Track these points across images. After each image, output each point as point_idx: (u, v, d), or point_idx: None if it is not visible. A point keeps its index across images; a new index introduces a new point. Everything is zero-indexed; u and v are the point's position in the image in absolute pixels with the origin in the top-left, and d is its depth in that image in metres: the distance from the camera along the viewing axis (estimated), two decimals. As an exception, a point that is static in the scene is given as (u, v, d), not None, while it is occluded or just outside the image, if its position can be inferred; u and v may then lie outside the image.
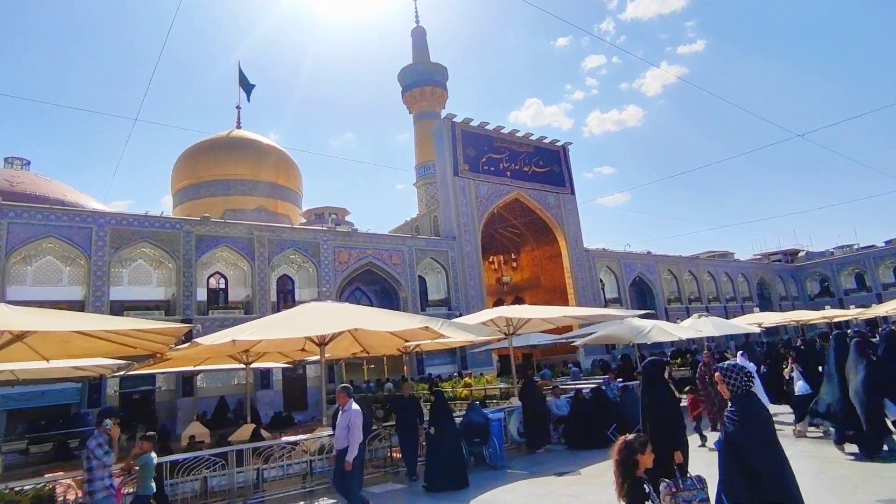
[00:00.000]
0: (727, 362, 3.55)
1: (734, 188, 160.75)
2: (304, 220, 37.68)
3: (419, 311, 29.61)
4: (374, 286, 31.48)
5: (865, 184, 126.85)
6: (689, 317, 43.97)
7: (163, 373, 20.66)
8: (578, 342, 18.16)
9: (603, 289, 41.65)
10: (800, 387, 9.50)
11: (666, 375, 8.65)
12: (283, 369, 26.16)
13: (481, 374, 26.91)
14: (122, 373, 13.67)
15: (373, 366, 29.97)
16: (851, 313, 33.84)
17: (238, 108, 47.45)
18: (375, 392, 24.69)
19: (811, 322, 33.72)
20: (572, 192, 40.90)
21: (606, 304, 41.00)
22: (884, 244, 50.29)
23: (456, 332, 10.24)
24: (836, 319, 35.28)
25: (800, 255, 59.87)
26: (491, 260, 44.37)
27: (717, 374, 3.42)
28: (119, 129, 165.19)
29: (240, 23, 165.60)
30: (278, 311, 26.79)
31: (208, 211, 39.59)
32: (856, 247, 54.10)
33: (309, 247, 27.93)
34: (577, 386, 14.50)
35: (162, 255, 24.10)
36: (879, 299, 42.55)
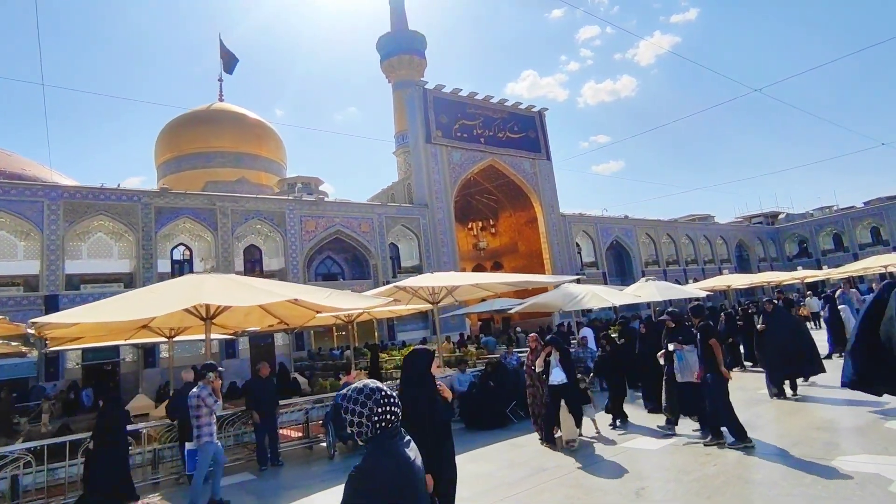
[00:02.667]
0: (359, 384, 2.07)
1: (720, 153, 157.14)
2: (278, 191, 36.19)
3: (391, 277, 28.48)
4: (344, 254, 30.22)
5: (843, 143, 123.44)
6: (666, 279, 43.18)
7: (126, 345, 19.76)
8: (514, 310, 16.90)
9: (580, 253, 40.26)
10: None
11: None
12: (250, 337, 25.29)
13: (423, 339, 25.81)
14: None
15: (343, 332, 28.90)
16: (821, 274, 32.39)
17: (220, 80, 45.49)
18: (338, 360, 23.61)
19: (785, 283, 32.32)
20: (548, 158, 39.10)
21: (583, 268, 39.70)
22: (862, 205, 48.39)
23: (343, 302, 8.98)
24: (807, 280, 33.95)
25: (780, 217, 58.03)
26: (469, 226, 42.96)
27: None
28: (111, 107, 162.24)
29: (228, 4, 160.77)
30: (244, 281, 25.78)
31: (191, 183, 38.27)
32: (835, 208, 52.20)
33: (274, 216, 26.58)
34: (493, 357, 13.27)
35: (121, 228, 22.83)
36: (856, 259, 40.97)
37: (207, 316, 9.87)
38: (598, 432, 7.60)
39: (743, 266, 50.21)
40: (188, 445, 6.81)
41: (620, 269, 42.28)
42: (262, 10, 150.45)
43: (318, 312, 12.37)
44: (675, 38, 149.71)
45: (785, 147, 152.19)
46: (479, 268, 42.04)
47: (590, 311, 34.34)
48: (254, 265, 26.95)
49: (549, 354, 7.20)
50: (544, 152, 38.94)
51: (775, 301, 9.37)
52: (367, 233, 29.51)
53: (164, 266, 24.21)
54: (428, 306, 13.20)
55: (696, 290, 17.74)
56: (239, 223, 25.46)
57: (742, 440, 6.01)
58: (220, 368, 6.93)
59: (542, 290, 24.58)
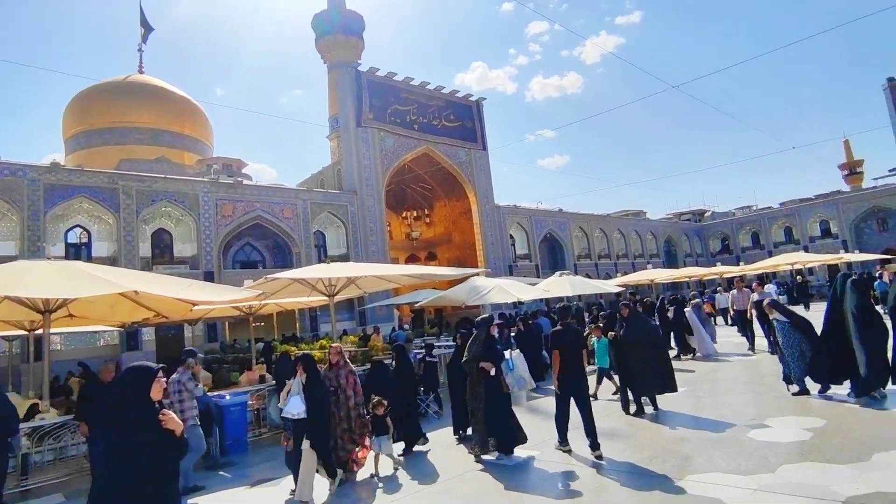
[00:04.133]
0: None
1: (657, 152, 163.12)
2: (194, 172, 34.04)
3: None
4: (265, 241, 28.74)
5: (763, 145, 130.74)
6: (597, 273, 43.98)
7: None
8: (421, 303, 16.35)
9: (513, 245, 40.27)
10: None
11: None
12: (157, 328, 23.61)
13: (344, 332, 24.96)
14: None
15: (261, 323, 27.54)
16: (736, 270, 33.67)
17: (140, 51, 42.34)
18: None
19: (705, 277, 33.43)
20: (484, 148, 38.74)
21: (516, 259, 39.75)
22: (778, 206, 50.94)
23: (198, 294, 8.06)
24: (727, 275, 35.31)
25: (706, 214, 60.38)
26: (404, 215, 42.14)
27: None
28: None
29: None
30: (150, 268, 24.00)
31: (103, 160, 35.41)
32: (754, 208, 54.75)
33: (186, 199, 24.83)
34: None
35: (2, 206, 20.60)
36: (770, 255, 43.00)
37: (46, 308, 8.72)
38: (375, 474, 6.13)
39: (670, 261, 51.88)
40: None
41: (554, 261, 42.61)
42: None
43: (194, 305, 11.33)
44: (620, 38, 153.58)
45: (713, 147, 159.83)
46: (412, 258, 41.34)
47: (521, 303, 34.46)
48: (163, 251, 25.13)
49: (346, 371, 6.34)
50: (480, 142, 38.53)
51: (634, 303, 9.22)
52: (290, 219, 28.17)
53: (57, 249, 22.15)
54: (367, 295, 12.35)
55: (609, 285, 17.71)
56: (146, 205, 23.60)
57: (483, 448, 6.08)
58: (199, 354, 7.52)
59: (457, 282, 24.20)
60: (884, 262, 24.03)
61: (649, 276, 28.46)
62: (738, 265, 41.69)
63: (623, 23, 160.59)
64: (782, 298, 26.33)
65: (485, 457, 6.18)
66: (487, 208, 37.70)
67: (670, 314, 13.18)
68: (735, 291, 14.05)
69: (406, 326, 28.02)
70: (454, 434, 7.41)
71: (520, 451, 6.31)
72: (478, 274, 13.04)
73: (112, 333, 22.41)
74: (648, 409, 7.39)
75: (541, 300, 31.28)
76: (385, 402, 6.23)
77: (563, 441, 6.10)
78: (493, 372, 5.92)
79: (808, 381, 7.48)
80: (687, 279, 33.16)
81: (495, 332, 7.08)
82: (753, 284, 13.03)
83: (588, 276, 39.95)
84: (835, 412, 6.58)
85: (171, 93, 41.61)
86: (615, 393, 8.96)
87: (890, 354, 6.91)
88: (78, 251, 22.94)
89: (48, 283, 7.48)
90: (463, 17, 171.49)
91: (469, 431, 6.77)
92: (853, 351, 6.95)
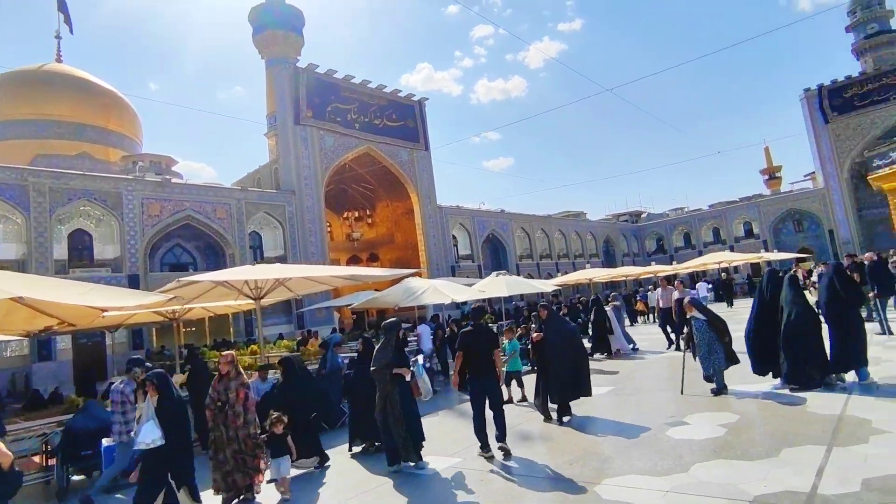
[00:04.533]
0: None
1: (596, 155, 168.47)
2: (118, 169, 32.07)
3: (251, 268, 26.18)
4: (196, 242, 27.35)
5: (692, 149, 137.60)
6: (538, 272, 44.68)
7: None
8: (353, 306, 15.98)
9: (456, 246, 40.28)
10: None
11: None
12: (74, 336, 21.96)
13: (280, 336, 24.22)
14: None
15: (192, 329, 26.23)
16: (669, 269, 35.02)
17: (58, 37, 39.49)
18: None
19: (642, 276, 34.59)
20: (427, 148, 38.54)
21: (458, 260, 39.77)
22: (707, 207, 53.48)
23: (101, 300, 7.35)
24: (660, 274, 36.63)
25: (643, 216, 62.62)
26: (345, 216, 41.38)
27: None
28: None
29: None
30: (67, 271, 22.31)
31: (17, 154, 32.72)
32: (686, 209, 57.27)
33: (108, 197, 23.28)
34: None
35: None
36: (700, 255, 45.01)
37: None
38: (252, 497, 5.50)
39: (609, 260, 53.44)
40: (105, 442, 6.64)
41: (496, 262, 42.91)
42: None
43: (103, 311, 10.50)
44: (562, 45, 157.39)
45: (649, 151, 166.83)
46: (354, 259, 40.64)
47: (464, 303, 34.40)
48: (81, 253, 23.42)
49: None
50: (423, 142, 38.32)
51: (559, 304, 9.29)
52: (223, 219, 26.96)
53: (-45, 251, 20.25)
54: (300, 297, 11.73)
55: (546, 285, 17.87)
56: (61, 203, 21.95)
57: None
58: (147, 364, 6.77)
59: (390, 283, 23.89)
60: (799, 261, 25.52)
61: (587, 275, 29.03)
62: (671, 264, 43.42)
63: (565, 29, 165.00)
64: (711, 296, 27.60)
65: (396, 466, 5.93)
66: (430, 209, 37.54)
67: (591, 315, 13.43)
68: (660, 290, 14.23)
69: (337, 329, 27.28)
70: (349, 448, 7.07)
71: (440, 459, 6.09)
72: (413, 275, 12.76)
73: (21, 342, 20.68)
74: (567, 417, 7.16)
75: (483, 301, 31.43)
76: (285, 419, 5.60)
77: (484, 447, 5.94)
78: (408, 377, 5.68)
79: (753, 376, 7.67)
80: (624, 278, 34.15)
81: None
82: (675, 283, 13.05)
83: (530, 276, 40.70)
84: (749, 408, 6.74)
85: (95, 85, 39.05)
86: (521, 399, 8.89)
87: (828, 345, 7.23)
88: (-19, 253, 21.03)
89: None
90: (408, 18, 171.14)
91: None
92: (780, 344, 7.26)
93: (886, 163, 19.48)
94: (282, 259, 29.43)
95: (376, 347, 6.01)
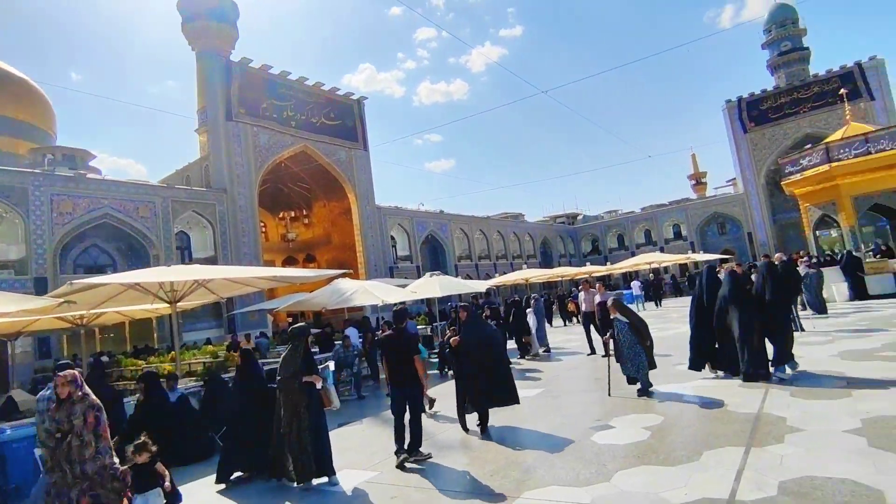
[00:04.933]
0: None
1: (535, 159, 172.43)
2: (26, 162, 29.54)
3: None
4: (116, 243, 25.45)
5: (623, 153, 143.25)
6: (477, 273, 44.84)
7: None
8: (278, 308, 15.29)
9: (394, 247, 39.76)
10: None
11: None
12: (-30, 345, 19.85)
13: (207, 341, 23.02)
14: None
15: (112, 335, 24.42)
16: (603, 269, 36.11)
17: (-41, 19, 35.84)
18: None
19: (577, 276, 35.27)
20: (365, 148, 37.82)
21: (397, 261, 39.27)
22: (640, 210, 55.51)
23: None
24: (595, 273, 37.67)
25: (578, 218, 64.25)
26: (281, 216, 39.94)
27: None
28: None
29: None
30: (-38, 273, 20.16)
31: None
32: (619, 212, 59.23)
33: (11, 193, 21.22)
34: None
35: None
36: (633, 256, 46.60)
37: None
38: None
39: (546, 261, 54.42)
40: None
41: (435, 263, 42.68)
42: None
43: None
44: (503, 49, 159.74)
45: (585, 154, 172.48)
46: (290, 260, 39.27)
47: (402, 303, 33.84)
48: (-21, 253, 21.25)
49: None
50: (361, 142, 37.56)
51: (478, 305, 9.11)
52: (146, 218, 25.26)
53: None
54: (224, 301, 10.84)
55: (479, 285, 17.75)
56: (-46, 199, 19.79)
57: None
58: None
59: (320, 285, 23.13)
60: (722, 261, 26.73)
61: (523, 275, 29.30)
62: (605, 265, 44.73)
63: (506, 35, 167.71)
64: (642, 295, 28.42)
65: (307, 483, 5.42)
66: (368, 209, 36.84)
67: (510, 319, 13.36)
68: (582, 293, 13.64)
69: (265, 333, 26.03)
70: (218, 482, 5.93)
71: (356, 473, 5.67)
72: (344, 276, 12.23)
73: None
74: (485, 425, 6.70)
75: (419, 301, 31.07)
76: (149, 444, 4.64)
77: (399, 450, 5.60)
78: (319, 385, 5.23)
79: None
80: (560, 278, 34.78)
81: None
82: (597, 285, 12.72)
83: (469, 277, 40.78)
84: (673, 409, 6.71)
85: (3, 71, 35.83)
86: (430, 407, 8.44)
87: (766, 338, 7.54)
88: None
89: None
90: (350, 17, 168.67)
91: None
92: (717, 338, 7.68)
93: (798, 169, 20.59)
94: (212, 260, 27.94)
95: (283, 355, 5.50)
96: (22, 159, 31.21)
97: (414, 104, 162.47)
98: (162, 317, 23.21)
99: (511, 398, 6.58)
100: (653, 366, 7.53)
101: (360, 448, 6.83)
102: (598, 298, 11.81)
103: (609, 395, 7.74)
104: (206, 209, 27.96)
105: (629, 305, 9.30)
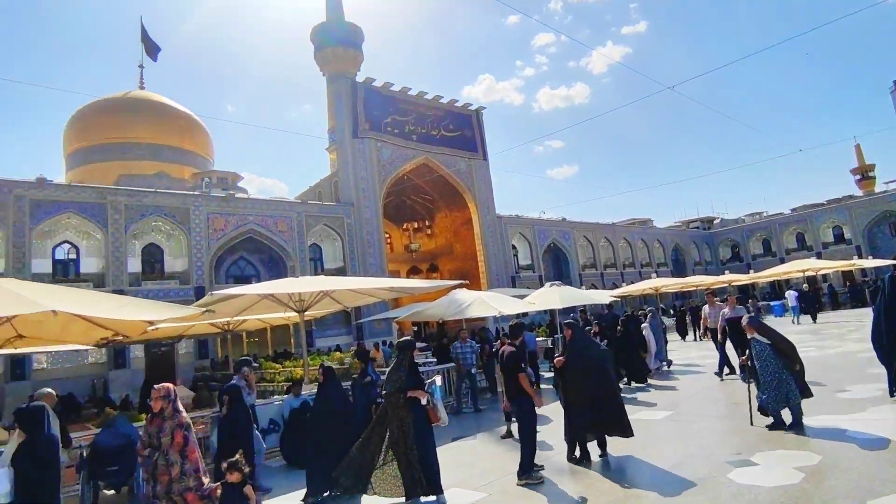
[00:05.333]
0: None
1: (667, 160, 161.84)
2: (190, 186, 33.78)
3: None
4: (259, 255, 28.19)
5: (768, 149, 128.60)
6: (603, 282, 42.90)
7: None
8: (398, 318, 15.60)
9: (516, 256, 39.43)
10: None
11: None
12: (147, 345, 23.03)
13: (337, 348, 24.23)
14: None
15: (256, 339, 26.95)
16: (745, 278, 32.54)
17: (141, 67, 42.43)
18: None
19: (713, 286, 32.12)
20: (485, 158, 38.08)
21: (518, 270, 38.89)
22: (789, 211, 49.61)
23: (141, 313, 7.36)
24: (734, 283, 34.17)
25: (715, 222, 59.08)
26: (405, 227, 41.50)
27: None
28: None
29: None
30: (140, 284, 23.52)
31: (102, 176, 35.33)
32: (764, 214, 53.41)
33: (177, 213, 24.40)
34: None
35: (-13, 223, 20.26)
36: (782, 262, 41.68)
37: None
38: None
39: (679, 269, 50.65)
40: None
41: (558, 272, 41.66)
42: (213, 4, 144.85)
43: (150, 325, 10.70)
44: (626, 48, 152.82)
45: (720, 153, 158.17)
46: (414, 270, 40.62)
47: (525, 314, 33.33)
48: (153, 266, 24.67)
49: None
50: (480, 152, 37.89)
51: (587, 321, 8.28)
52: (284, 232, 27.65)
53: (44, 266, 21.77)
54: (351, 310, 11.64)
55: (602, 296, 16.81)
56: (134, 220, 23.18)
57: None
58: (254, 364, 6.46)
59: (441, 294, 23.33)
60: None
61: (652, 284, 27.31)
62: (748, 273, 40.47)
63: (628, 32, 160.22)
64: (797, 307, 25.05)
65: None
66: (488, 218, 36.96)
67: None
68: (706, 307, 11.99)
69: (390, 342, 26.97)
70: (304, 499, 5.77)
71: (462, 494, 5.49)
72: (458, 286, 12.25)
73: (100, 351, 21.91)
74: (600, 453, 6.23)
75: (545, 312, 30.32)
76: (242, 463, 4.49)
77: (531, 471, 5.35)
78: (424, 401, 5.14)
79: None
80: (695, 288, 32.00)
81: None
82: (728, 298, 10.98)
83: (594, 287, 39.16)
84: (831, 447, 5.65)
85: (172, 108, 41.61)
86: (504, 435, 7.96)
87: None
88: (66, 267, 22.57)
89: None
90: (468, 30, 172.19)
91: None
92: None
93: None
94: (341, 271, 29.80)
95: (388, 368, 5.51)
96: (186, 183, 35.91)
97: (534, 111, 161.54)
98: (297, 324, 25.28)
99: (620, 429, 5.94)
100: (807, 394, 6.44)
101: (472, 465, 6.67)
102: (726, 313, 10.29)
103: (752, 423, 6.78)
104: (335, 222, 29.92)
105: (782, 317, 8.11)
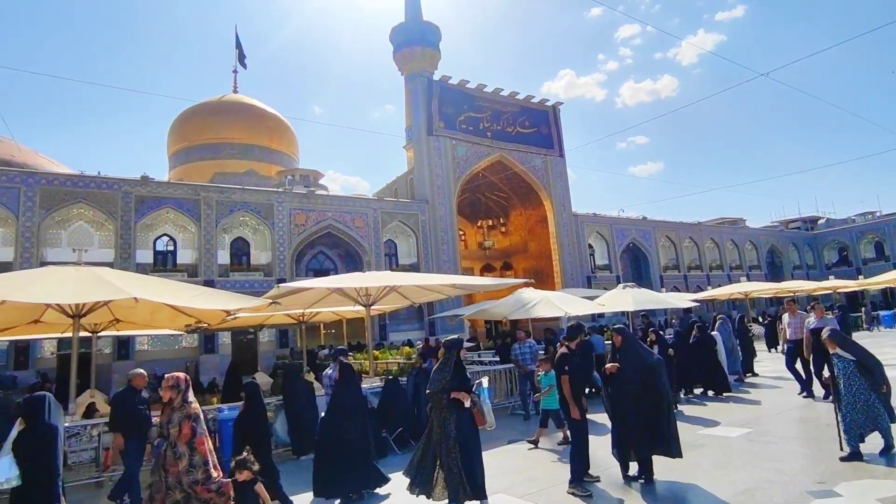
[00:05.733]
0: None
1: (759, 156, 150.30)
2: (275, 183, 35.55)
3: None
4: (337, 250, 29.24)
5: (882, 142, 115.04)
6: (686, 285, 40.59)
7: (107, 336, 19.32)
8: (465, 316, 15.45)
9: (592, 255, 38.24)
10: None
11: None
12: (234, 333, 24.59)
13: (408, 341, 24.49)
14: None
15: (332, 330, 27.98)
16: (853, 284, 29.54)
17: (234, 72, 45.34)
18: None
19: (815, 292, 29.40)
20: (561, 154, 37.23)
21: (594, 270, 37.70)
22: (908, 211, 44.49)
23: (205, 302, 7.88)
24: (840, 290, 31.14)
25: (820, 222, 54.12)
26: (479, 224, 41.45)
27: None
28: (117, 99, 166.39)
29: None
30: (228, 275, 25.12)
31: (199, 174, 38.15)
32: (878, 214, 48.23)
33: (262, 209, 25.84)
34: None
35: (101, 217, 22.45)
36: (897, 269, 37.51)
37: (75, 314, 8.91)
38: None
39: (775, 273, 46.94)
40: None
41: (637, 273, 39.95)
42: (305, 11, 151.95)
43: (228, 314, 11.36)
44: (721, 36, 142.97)
45: (826, 148, 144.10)
46: (487, 268, 40.50)
47: (601, 315, 32.20)
48: (240, 258, 26.28)
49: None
50: (557, 148, 37.08)
51: (647, 327, 7.58)
52: (360, 228, 28.49)
53: (146, 257, 23.80)
54: (423, 306, 11.92)
55: (680, 299, 15.84)
56: (224, 215, 24.80)
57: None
58: (350, 353, 6.90)
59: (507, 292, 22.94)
60: None
61: (741, 289, 25.53)
62: (857, 278, 36.75)
63: (724, 18, 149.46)
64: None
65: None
66: (564, 216, 36.11)
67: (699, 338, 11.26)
68: (787, 315, 10.54)
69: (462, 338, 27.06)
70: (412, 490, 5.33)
71: (508, 501, 5.32)
72: (524, 286, 12.02)
73: (193, 336, 23.69)
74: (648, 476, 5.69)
75: (622, 313, 29.21)
76: (250, 461, 4.43)
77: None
78: (467, 403, 5.01)
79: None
80: (792, 294, 29.44)
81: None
82: (815, 307, 9.63)
83: (676, 289, 37.14)
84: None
85: (262, 110, 44.05)
86: (563, 441, 7.51)
87: None
88: (165, 258, 24.51)
89: (52, 289, 7.55)
90: (549, 24, 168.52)
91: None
92: None
93: None
94: (415, 267, 30.29)
95: (434, 367, 5.43)
96: (272, 181, 37.94)
97: (617, 106, 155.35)
98: (373, 316, 26.00)
99: (667, 449, 5.47)
100: (894, 418, 5.68)
101: (522, 471, 6.49)
102: (811, 322, 9.09)
103: (841, 448, 6.08)
104: (409, 219, 30.42)
105: (892, 329, 7.17)
